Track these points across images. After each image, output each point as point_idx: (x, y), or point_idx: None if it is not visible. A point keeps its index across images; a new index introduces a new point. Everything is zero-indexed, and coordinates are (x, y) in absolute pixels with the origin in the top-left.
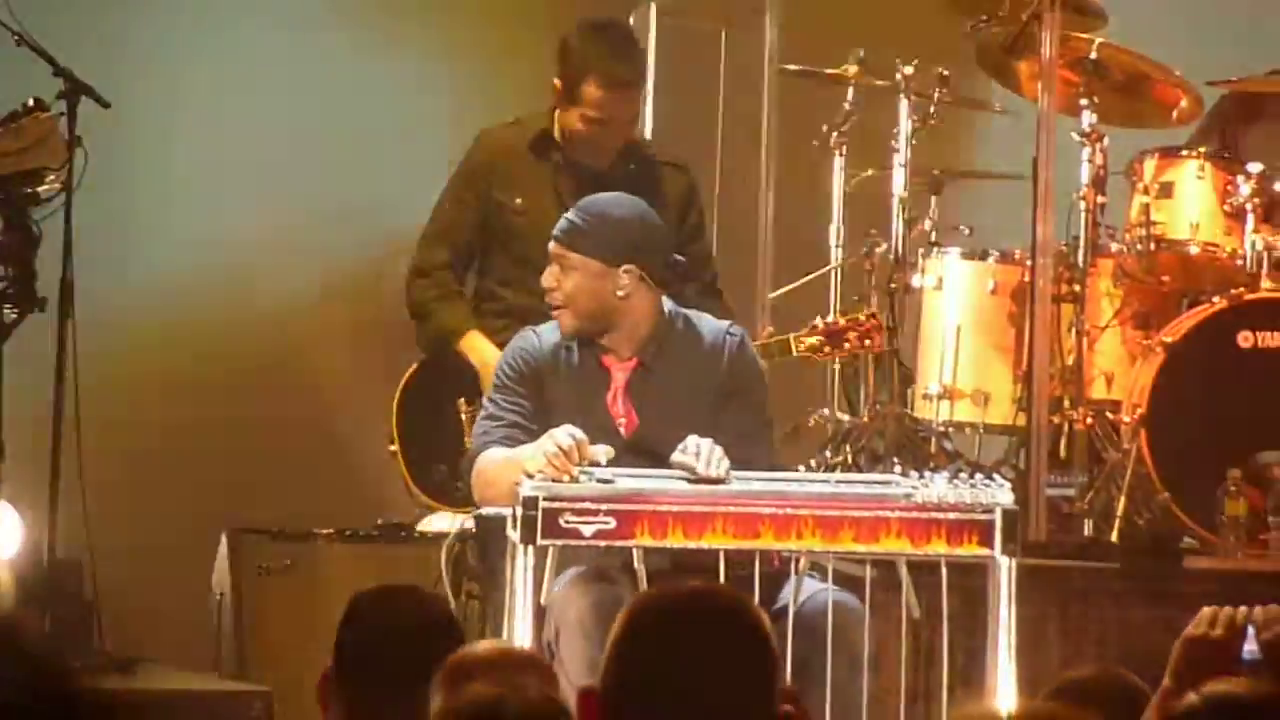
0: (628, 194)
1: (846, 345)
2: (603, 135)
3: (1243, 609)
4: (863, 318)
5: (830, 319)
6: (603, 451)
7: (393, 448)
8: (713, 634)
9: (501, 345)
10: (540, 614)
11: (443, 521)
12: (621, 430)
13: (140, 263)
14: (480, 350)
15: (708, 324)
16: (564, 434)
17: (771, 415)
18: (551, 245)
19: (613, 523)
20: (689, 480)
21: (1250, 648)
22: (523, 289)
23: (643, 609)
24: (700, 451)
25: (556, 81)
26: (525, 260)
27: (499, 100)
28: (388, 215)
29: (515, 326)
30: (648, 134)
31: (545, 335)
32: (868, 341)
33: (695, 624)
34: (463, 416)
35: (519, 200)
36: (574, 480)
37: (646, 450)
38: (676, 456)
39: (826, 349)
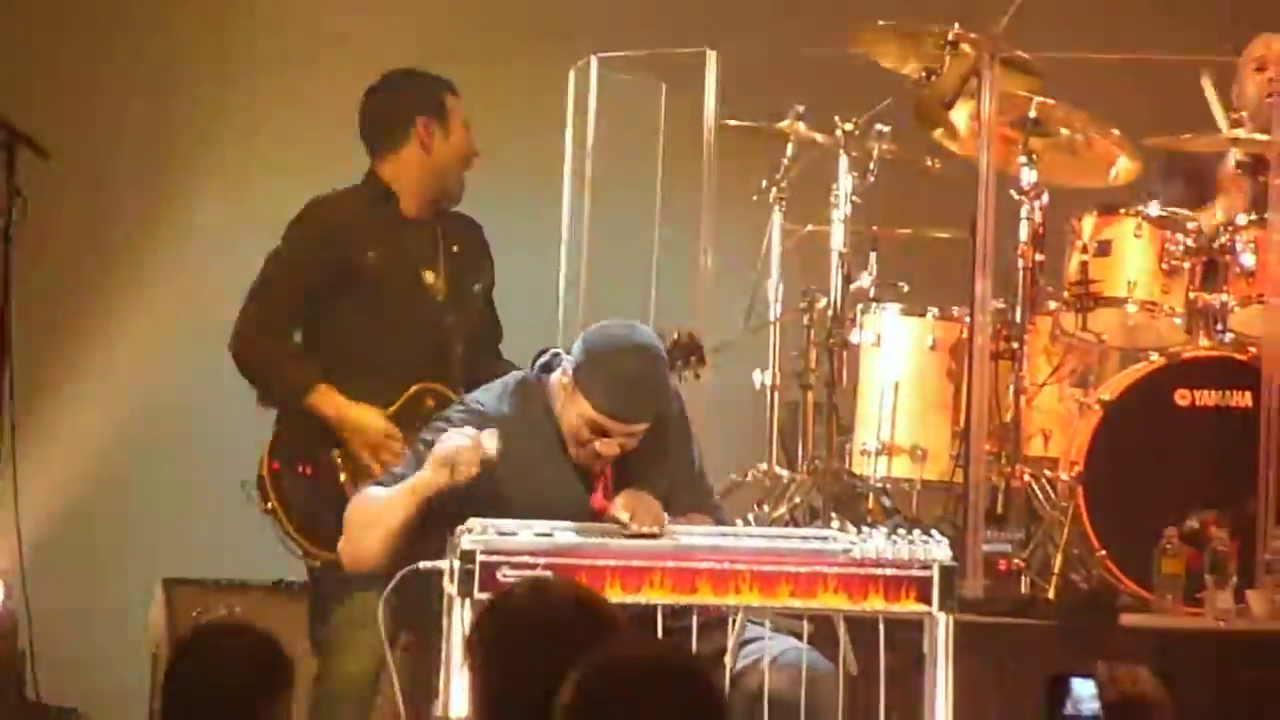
0: (626, 338)
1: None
2: (468, 153)
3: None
4: (684, 340)
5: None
6: (490, 437)
7: (268, 505)
8: (663, 698)
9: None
10: None
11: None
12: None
13: (78, 317)
14: (334, 402)
15: None
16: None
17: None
18: (624, 426)
19: (551, 576)
20: (623, 535)
21: (1093, 705)
22: (363, 336)
23: (593, 670)
24: (634, 507)
25: (420, 121)
26: (368, 309)
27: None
28: None
29: (353, 376)
30: (587, 185)
31: (492, 413)
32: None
33: (645, 688)
34: (338, 462)
35: (371, 254)
36: (488, 456)
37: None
38: (611, 511)
39: None
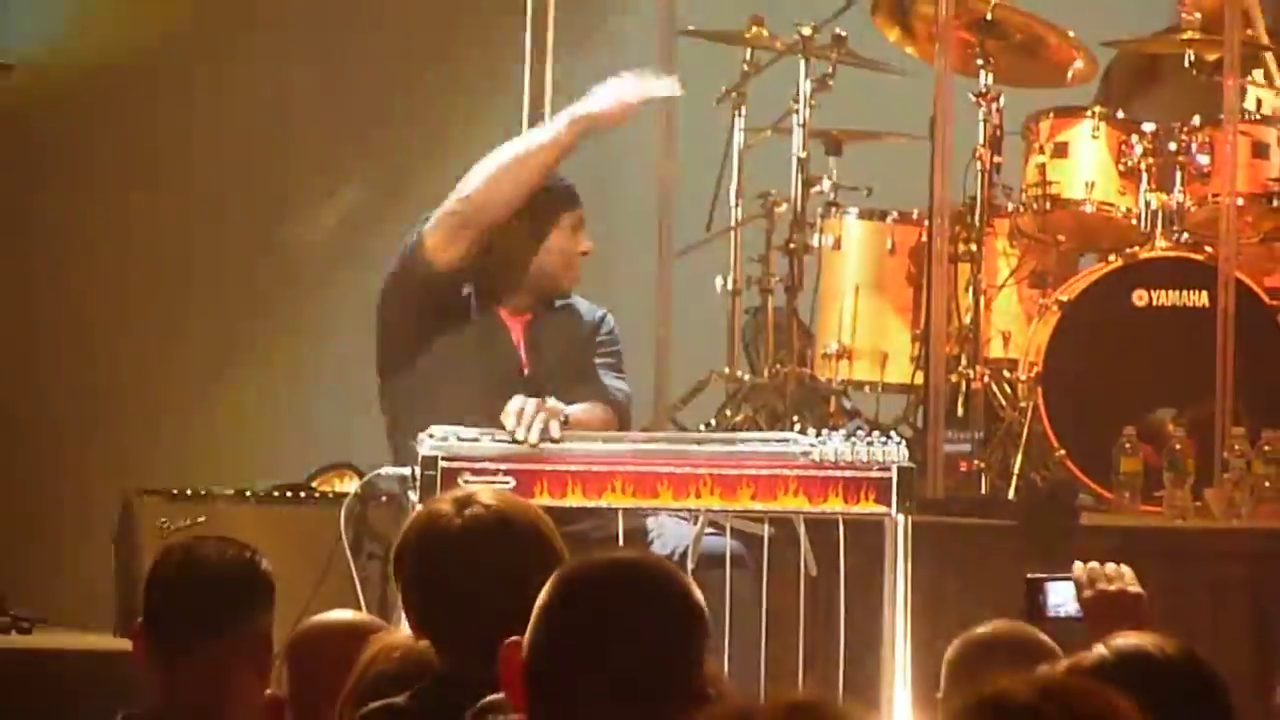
0: None
1: None
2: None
3: (1078, 565)
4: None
5: None
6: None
7: None
8: (642, 605)
9: None
10: None
11: (343, 483)
12: (524, 373)
13: (42, 225)
14: None
15: (580, 300)
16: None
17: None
18: (580, 209)
19: (512, 482)
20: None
21: (1072, 606)
22: None
23: (573, 575)
24: (522, 413)
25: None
26: None
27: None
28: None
29: None
30: (549, 97)
31: None
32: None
33: (625, 593)
34: None
35: None
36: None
37: (538, 393)
38: (502, 417)
39: None
